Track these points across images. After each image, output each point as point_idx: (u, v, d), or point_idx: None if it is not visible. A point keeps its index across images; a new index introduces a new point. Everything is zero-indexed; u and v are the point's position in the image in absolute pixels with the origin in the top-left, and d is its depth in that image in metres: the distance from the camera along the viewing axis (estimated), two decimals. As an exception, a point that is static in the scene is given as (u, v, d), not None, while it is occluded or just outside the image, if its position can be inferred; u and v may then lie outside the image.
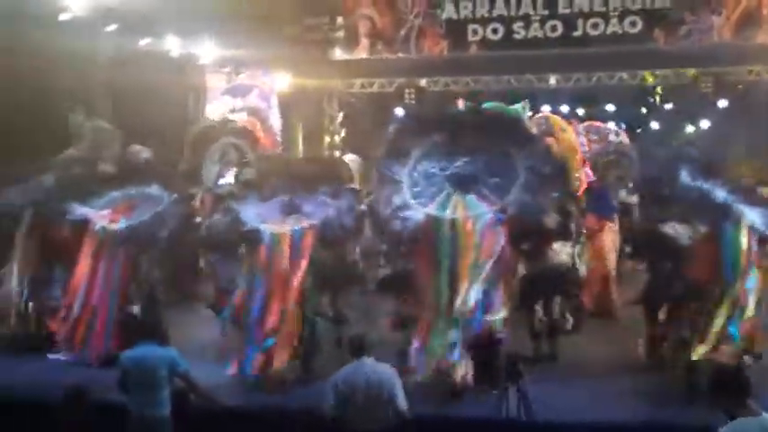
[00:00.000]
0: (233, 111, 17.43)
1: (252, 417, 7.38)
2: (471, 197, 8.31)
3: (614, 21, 17.72)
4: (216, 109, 18.41)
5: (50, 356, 9.44)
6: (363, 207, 10.26)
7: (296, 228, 8.67)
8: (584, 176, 12.15)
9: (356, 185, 13.62)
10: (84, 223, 9.66)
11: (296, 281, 8.48)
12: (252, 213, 9.00)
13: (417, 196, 8.49)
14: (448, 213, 8.18)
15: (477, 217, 8.11)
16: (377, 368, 6.27)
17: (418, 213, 8.29)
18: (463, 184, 8.35)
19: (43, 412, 6.66)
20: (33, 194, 10.12)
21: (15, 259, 10.09)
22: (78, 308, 9.45)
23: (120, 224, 9.58)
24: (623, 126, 20.61)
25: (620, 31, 17.73)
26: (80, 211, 9.76)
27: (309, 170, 12.05)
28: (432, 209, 8.28)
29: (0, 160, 11.50)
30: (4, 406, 7.47)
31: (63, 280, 9.89)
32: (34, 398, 7.40)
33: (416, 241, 8.35)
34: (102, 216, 9.73)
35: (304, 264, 8.55)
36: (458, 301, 7.84)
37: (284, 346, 8.36)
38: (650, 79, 19.13)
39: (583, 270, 9.99)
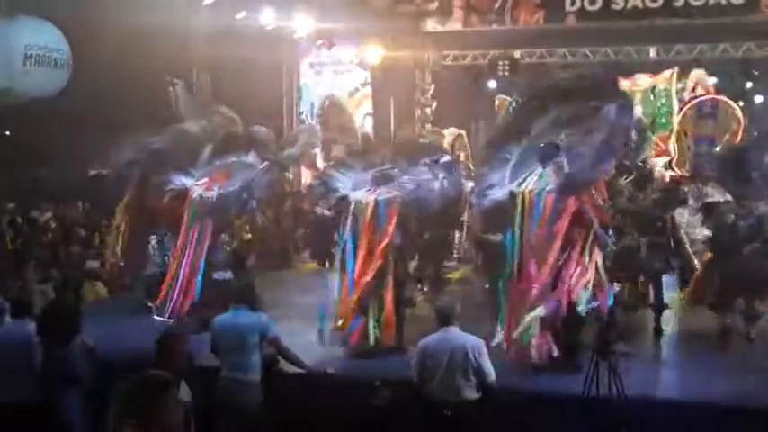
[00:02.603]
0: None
1: (340, 383, 7.44)
2: (547, 170, 8.10)
3: (719, -9, 17.08)
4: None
5: (156, 318, 9.67)
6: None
7: (381, 197, 8.64)
8: None
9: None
10: (183, 192, 9.89)
11: (381, 249, 8.45)
12: (347, 181, 9.05)
13: (515, 174, 8.34)
14: (522, 188, 8.01)
15: (539, 191, 7.91)
16: (463, 337, 6.24)
17: (503, 189, 8.17)
18: (545, 156, 8.16)
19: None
20: (141, 153, 10.38)
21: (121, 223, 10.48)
22: (175, 273, 9.72)
23: (214, 193, 9.77)
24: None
25: (724, 2, 17.06)
26: (180, 180, 9.99)
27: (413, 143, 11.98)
28: (514, 185, 8.13)
29: (105, 132, 11.88)
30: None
31: (169, 247, 10.17)
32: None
33: (493, 216, 8.31)
34: (199, 185, 9.95)
35: (389, 232, 8.50)
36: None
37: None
38: (755, 52, 18.34)
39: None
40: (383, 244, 8.42)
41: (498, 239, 8.47)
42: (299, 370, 7.04)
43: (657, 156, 16.34)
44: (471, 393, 6.14)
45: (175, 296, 9.58)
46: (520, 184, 8.04)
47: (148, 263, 10.39)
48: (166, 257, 10.21)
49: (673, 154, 17.02)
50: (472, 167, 12.93)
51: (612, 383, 6.52)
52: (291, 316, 9.27)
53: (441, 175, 8.78)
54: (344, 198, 8.88)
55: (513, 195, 7.98)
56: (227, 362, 6.62)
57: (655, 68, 18.98)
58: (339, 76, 19.82)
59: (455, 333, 6.26)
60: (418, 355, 6.31)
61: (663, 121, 18.19)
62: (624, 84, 16.64)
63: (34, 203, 16.26)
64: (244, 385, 6.53)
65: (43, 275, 10.97)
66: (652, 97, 18.55)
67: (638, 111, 15.61)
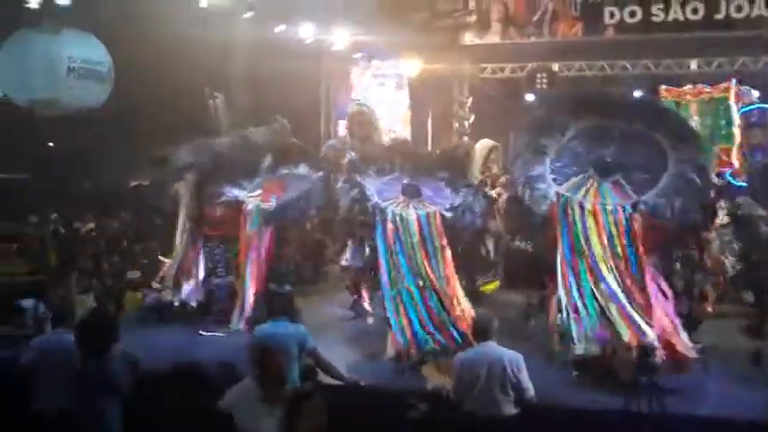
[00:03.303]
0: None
1: (377, 394, 7.44)
2: (607, 185, 8.09)
3: (760, 3, 16.86)
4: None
5: (204, 333, 9.75)
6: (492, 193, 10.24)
7: (421, 212, 8.67)
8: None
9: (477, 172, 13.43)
10: (237, 203, 9.96)
11: (440, 264, 8.52)
12: (372, 188, 9.09)
13: (556, 172, 8.33)
14: (578, 196, 7.99)
15: (604, 206, 7.91)
16: (501, 351, 6.20)
17: (551, 189, 8.13)
18: (605, 170, 8.13)
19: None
20: (200, 155, 10.45)
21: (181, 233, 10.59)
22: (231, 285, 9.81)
23: (272, 204, 9.82)
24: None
25: (766, 14, 16.84)
26: (233, 192, 10.07)
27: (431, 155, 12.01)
28: (564, 188, 8.11)
29: (147, 144, 12.05)
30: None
31: (222, 258, 10.24)
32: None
33: (542, 218, 8.29)
34: (253, 197, 10.01)
35: (441, 247, 8.59)
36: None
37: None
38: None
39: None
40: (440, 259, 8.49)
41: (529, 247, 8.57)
42: (337, 382, 7.05)
43: (721, 167, 16.19)
44: (509, 408, 6.09)
45: (245, 308, 9.61)
46: (575, 191, 8.00)
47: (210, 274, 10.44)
48: (218, 270, 10.29)
49: (736, 166, 16.82)
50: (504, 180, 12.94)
51: (653, 400, 6.46)
52: (327, 328, 9.31)
53: (470, 195, 8.87)
54: (376, 205, 8.93)
55: (564, 199, 7.94)
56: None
57: (711, 80, 18.79)
58: (400, 90, 19.82)
59: (493, 347, 6.23)
60: (455, 370, 6.29)
61: (723, 132, 17.87)
62: (670, 94, 16.68)
63: (77, 214, 16.49)
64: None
65: (85, 286, 11.13)
66: (710, 108, 18.23)
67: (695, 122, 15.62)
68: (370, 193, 9.05)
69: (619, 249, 7.79)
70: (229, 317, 9.73)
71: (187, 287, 10.34)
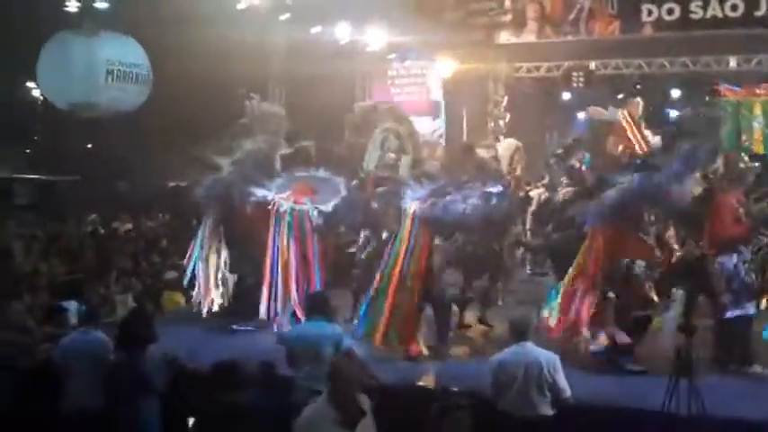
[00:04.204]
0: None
1: (411, 395, 7.42)
2: None
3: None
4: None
5: (235, 327, 9.83)
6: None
7: (424, 206, 8.74)
8: None
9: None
10: (265, 204, 10.01)
11: (416, 256, 8.58)
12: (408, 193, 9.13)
13: None
14: None
15: None
16: (538, 352, 6.19)
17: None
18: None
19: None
20: (214, 190, 10.54)
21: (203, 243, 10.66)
22: (270, 281, 9.84)
23: (307, 206, 9.85)
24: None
25: (808, 9, 16.57)
26: (261, 192, 10.11)
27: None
28: None
29: (184, 145, 12.15)
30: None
31: (251, 257, 10.30)
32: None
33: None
34: (283, 197, 10.04)
35: (427, 241, 8.66)
36: None
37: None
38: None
39: None
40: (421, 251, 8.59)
41: None
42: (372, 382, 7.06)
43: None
44: (546, 409, 6.07)
45: (277, 306, 9.68)
46: None
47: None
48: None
49: None
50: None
51: (692, 401, 6.38)
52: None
53: (493, 199, 8.81)
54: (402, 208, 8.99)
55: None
56: (303, 372, 6.67)
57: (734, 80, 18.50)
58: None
59: (530, 348, 6.21)
60: (492, 370, 6.28)
61: None
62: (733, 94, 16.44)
63: (115, 214, 16.71)
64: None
65: (124, 285, 11.27)
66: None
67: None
68: (403, 197, 9.10)
69: None
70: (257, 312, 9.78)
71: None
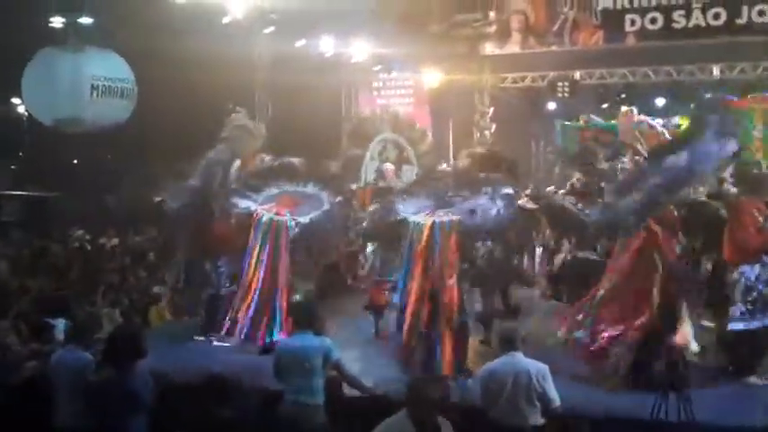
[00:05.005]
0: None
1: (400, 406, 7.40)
2: None
3: (784, 6, 16.75)
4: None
5: (215, 343, 9.81)
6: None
7: (437, 219, 8.59)
8: None
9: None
10: (247, 216, 10.00)
11: (438, 272, 8.40)
12: (410, 207, 9.02)
13: None
14: None
15: None
16: (527, 362, 6.19)
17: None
18: None
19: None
20: (185, 197, 10.54)
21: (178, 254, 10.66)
22: (247, 295, 9.83)
23: (287, 217, 9.84)
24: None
25: (789, 18, 16.74)
26: (244, 203, 10.11)
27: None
28: None
29: (171, 159, 12.14)
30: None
31: (227, 269, 10.29)
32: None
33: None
34: (266, 209, 10.04)
35: (448, 256, 8.44)
36: None
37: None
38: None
39: None
40: (440, 267, 8.37)
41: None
42: (361, 394, 7.05)
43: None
44: (536, 419, 6.08)
45: (249, 320, 9.65)
46: None
47: (207, 286, 10.49)
48: (220, 281, 10.34)
49: None
50: None
51: (683, 410, 6.41)
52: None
53: (499, 203, 8.72)
54: (403, 221, 8.82)
55: None
56: (292, 385, 6.64)
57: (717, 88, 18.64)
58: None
59: (519, 358, 6.22)
60: (482, 380, 6.29)
61: None
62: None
63: (102, 230, 16.65)
64: (308, 409, 6.55)
65: (111, 300, 11.23)
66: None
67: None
68: (399, 211, 8.97)
69: None
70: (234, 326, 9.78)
71: None
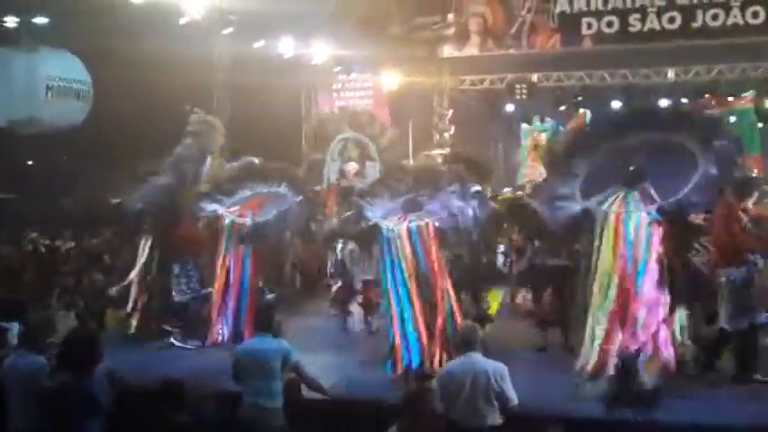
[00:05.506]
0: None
1: (360, 408, 7.42)
2: (634, 194, 7.99)
3: (735, 11, 17.07)
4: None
5: (176, 343, 9.82)
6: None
7: (413, 224, 8.59)
8: None
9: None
10: (215, 219, 9.95)
11: (429, 276, 8.44)
12: (377, 210, 9.02)
13: (585, 192, 8.24)
14: (604, 207, 7.83)
15: (629, 214, 7.71)
16: (485, 362, 6.21)
17: (576, 206, 8.08)
18: (631, 180, 8.06)
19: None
20: (149, 197, 10.45)
21: (141, 256, 10.56)
22: (207, 298, 9.81)
23: (247, 220, 9.82)
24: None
25: (742, 22, 17.06)
26: (211, 207, 10.06)
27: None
28: (591, 202, 8.02)
29: (128, 160, 12.02)
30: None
31: (196, 273, 10.24)
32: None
33: (566, 232, 8.31)
34: (231, 211, 10.01)
35: (432, 258, 8.49)
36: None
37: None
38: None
39: None
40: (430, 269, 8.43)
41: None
42: (320, 396, 7.04)
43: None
44: (494, 418, 6.11)
45: (222, 323, 9.61)
46: (600, 203, 7.92)
47: (174, 290, 10.41)
48: (191, 285, 10.28)
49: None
50: None
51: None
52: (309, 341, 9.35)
53: (473, 203, 8.76)
54: (375, 226, 8.75)
55: (589, 213, 7.85)
56: (250, 388, 6.61)
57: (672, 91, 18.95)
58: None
59: (477, 358, 6.24)
60: (441, 380, 6.30)
61: (749, 142, 17.91)
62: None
63: (57, 232, 16.39)
64: (267, 411, 6.53)
65: (66, 303, 11.06)
66: (735, 119, 18.39)
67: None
68: (368, 215, 8.91)
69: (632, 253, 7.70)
70: (203, 331, 9.75)
71: None
